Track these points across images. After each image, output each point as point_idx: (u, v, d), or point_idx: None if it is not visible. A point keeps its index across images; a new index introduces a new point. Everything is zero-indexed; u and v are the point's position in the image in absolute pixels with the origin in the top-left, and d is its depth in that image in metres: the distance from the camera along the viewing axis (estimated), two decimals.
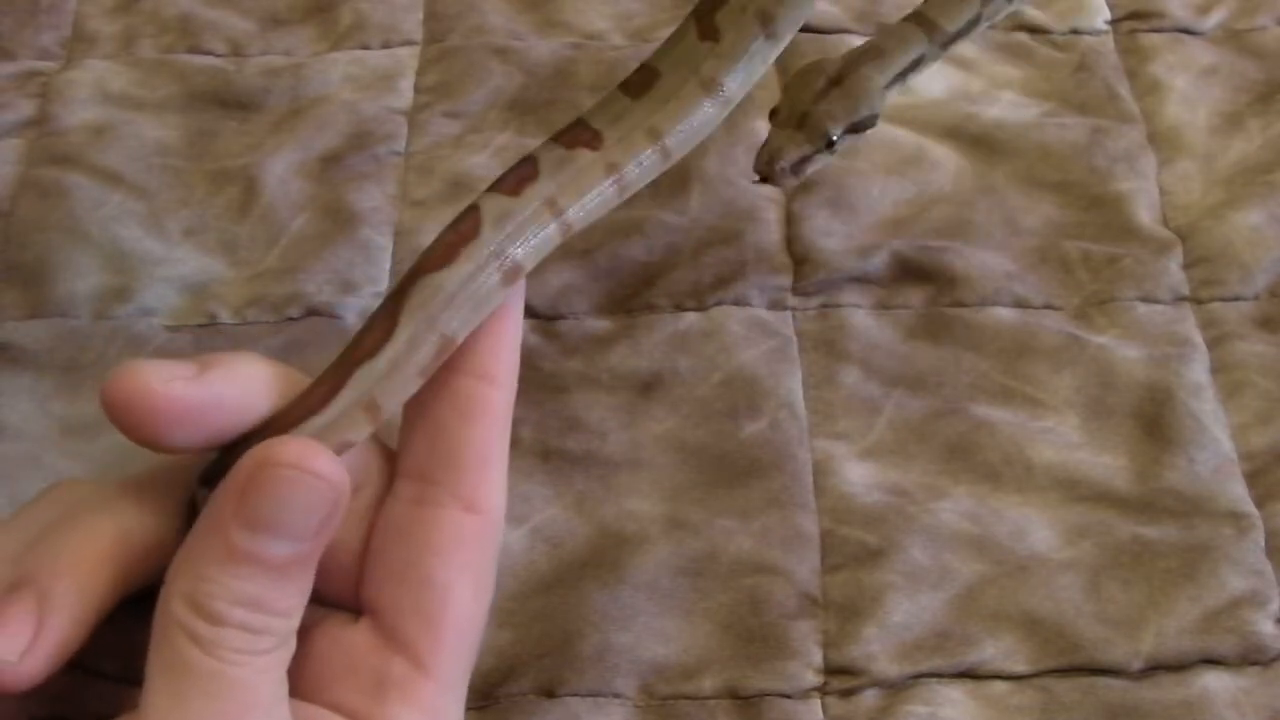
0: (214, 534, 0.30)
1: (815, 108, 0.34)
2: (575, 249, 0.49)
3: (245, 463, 0.30)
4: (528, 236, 0.34)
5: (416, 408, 0.34)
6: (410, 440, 0.34)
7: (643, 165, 0.36)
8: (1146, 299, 0.48)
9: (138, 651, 0.31)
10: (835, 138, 0.34)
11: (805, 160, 0.34)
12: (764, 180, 0.34)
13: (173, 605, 0.30)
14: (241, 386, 0.32)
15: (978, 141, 0.52)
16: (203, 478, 0.32)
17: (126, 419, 0.31)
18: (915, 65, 0.40)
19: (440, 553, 0.33)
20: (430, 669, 0.33)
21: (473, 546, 0.34)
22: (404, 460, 0.34)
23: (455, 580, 0.33)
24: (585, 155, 0.35)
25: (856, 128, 0.34)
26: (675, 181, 0.50)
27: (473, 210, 0.34)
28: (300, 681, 0.32)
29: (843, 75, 0.36)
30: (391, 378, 0.33)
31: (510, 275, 0.34)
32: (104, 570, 0.31)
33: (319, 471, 0.30)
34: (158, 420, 0.31)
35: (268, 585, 0.31)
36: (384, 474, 0.35)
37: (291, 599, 0.31)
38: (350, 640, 0.33)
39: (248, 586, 0.30)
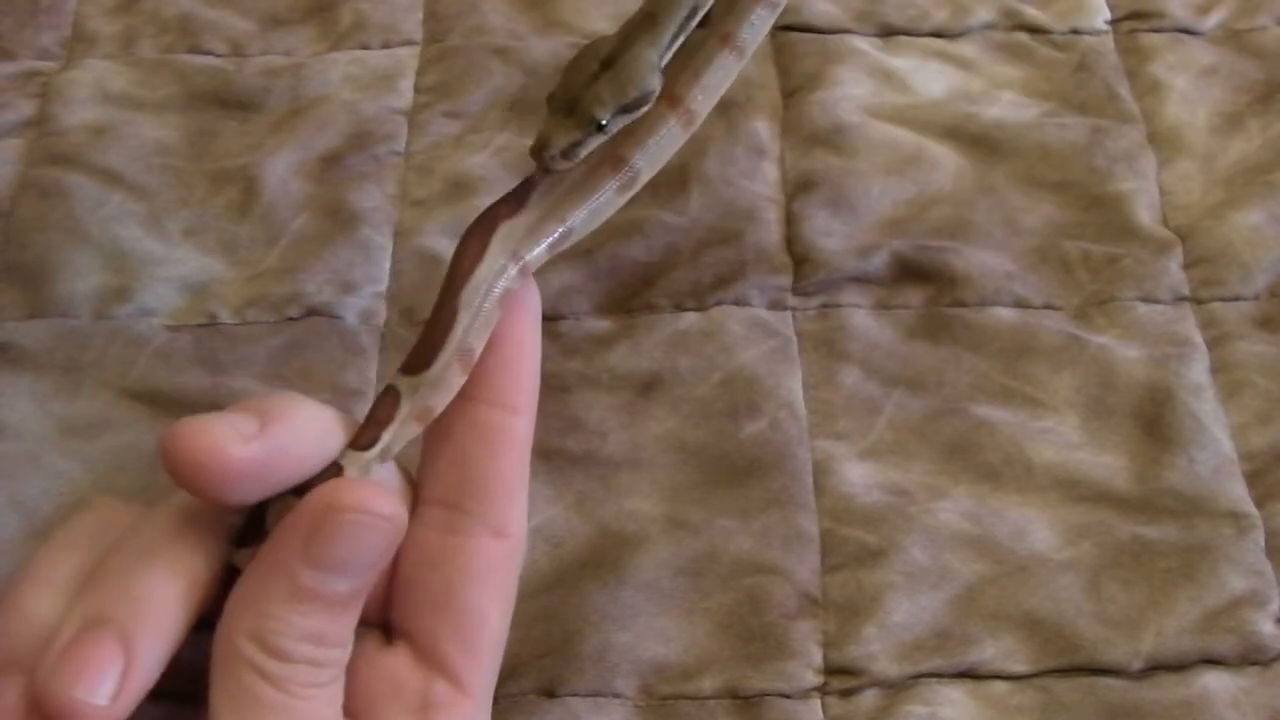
0: (278, 574, 0.32)
1: (585, 93, 0.35)
2: (575, 249, 0.49)
3: (310, 505, 0.32)
4: (644, 135, 0.36)
5: (440, 437, 0.35)
6: (434, 468, 0.35)
7: (755, 26, 0.37)
8: (1146, 299, 0.48)
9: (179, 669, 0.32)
10: (604, 121, 0.34)
11: (576, 145, 0.35)
12: (540, 167, 0.35)
13: (239, 643, 0.31)
14: (303, 435, 0.33)
15: (978, 141, 0.52)
16: (238, 539, 0.33)
17: (196, 479, 0.31)
18: (689, 19, 0.39)
19: (474, 580, 0.35)
20: (469, 688, 0.34)
21: (501, 570, 0.35)
22: (429, 487, 0.35)
23: (489, 605, 0.35)
24: (697, 33, 0.36)
25: (627, 109, 0.35)
26: (675, 181, 0.50)
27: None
28: (348, 703, 0.33)
29: (614, 56, 0.37)
30: (527, 241, 0.35)
31: (627, 183, 0.36)
32: (182, 609, 0.32)
33: (380, 512, 0.32)
34: (228, 479, 0.31)
35: (328, 620, 0.32)
36: (406, 498, 0.35)
37: (347, 629, 0.33)
38: (391, 663, 0.34)
39: (310, 622, 0.32)
